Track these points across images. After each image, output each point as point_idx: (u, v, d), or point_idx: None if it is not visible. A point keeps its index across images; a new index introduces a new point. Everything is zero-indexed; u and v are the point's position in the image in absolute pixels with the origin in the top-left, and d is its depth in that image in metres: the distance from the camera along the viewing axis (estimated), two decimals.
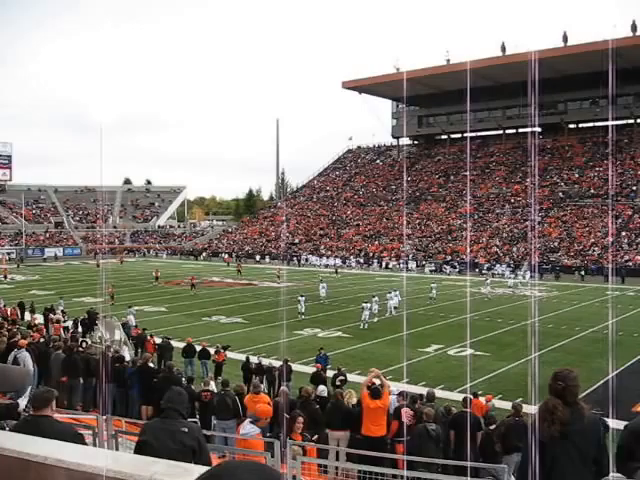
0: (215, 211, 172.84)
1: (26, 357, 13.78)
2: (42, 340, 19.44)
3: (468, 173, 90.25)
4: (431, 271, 64.98)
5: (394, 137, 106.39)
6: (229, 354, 23.01)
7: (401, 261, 70.36)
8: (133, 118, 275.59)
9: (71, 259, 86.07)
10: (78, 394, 16.47)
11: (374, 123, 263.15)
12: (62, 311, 32.89)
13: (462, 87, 68.75)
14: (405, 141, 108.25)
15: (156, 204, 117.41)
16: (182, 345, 23.57)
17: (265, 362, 20.91)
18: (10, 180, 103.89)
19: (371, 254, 75.83)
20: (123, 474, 3.10)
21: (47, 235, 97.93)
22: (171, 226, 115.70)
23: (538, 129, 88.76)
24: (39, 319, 29.31)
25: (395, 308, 36.21)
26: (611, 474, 5.01)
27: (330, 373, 19.76)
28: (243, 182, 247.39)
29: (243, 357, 22.07)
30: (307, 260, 77.94)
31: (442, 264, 66.48)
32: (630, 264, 59.43)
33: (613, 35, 67.11)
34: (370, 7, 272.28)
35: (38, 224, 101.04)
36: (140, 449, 5.35)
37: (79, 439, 5.43)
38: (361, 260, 73.87)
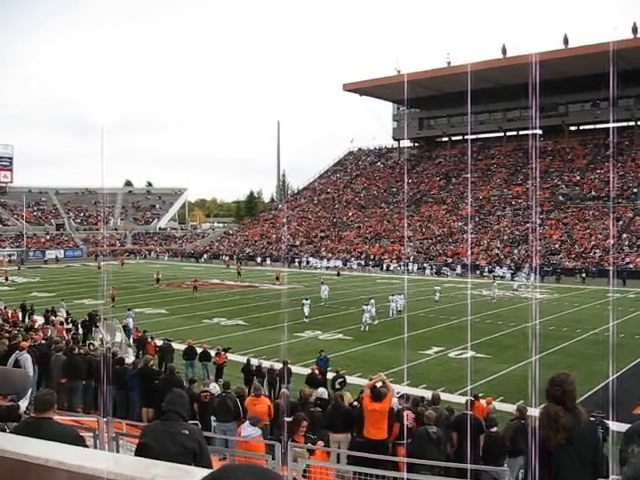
0: (216, 213, 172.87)
1: (27, 359, 13.81)
2: (43, 342, 19.48)
3: (469, 175, 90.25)
4: (432, 273, 65.01)
5: (395, 139, 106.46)
6: (230, 356, 23.03)
7: (402, 263, 70.37)
8: (133, 118, 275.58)
9: (72, 261, 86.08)
10: (79, 396, 16.48)
11: (375, 125, 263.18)
12: (67, 312, 32.95)
13: (463, 89, 68.87)
14: (406, 143, 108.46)
15: (157, 206, 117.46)
16: (183, 347, 23.59)
17: (266, 364, 20.92)
18: (11, 182, 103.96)
19: (372, 256, 75.86)
20: (124, 476, 3.11)
21: (48, 237, 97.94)
22: (172, 228, 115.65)
23: (539, 131, 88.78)
24: (39, 321, 29.31)
25: (400, 312, 36.12)
26: (611, 477, 5.02)
27: (330, 375, 19.77)
28: (244, 184, 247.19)
29: (244, 359, 22.07)
30: (308, 262, 77.89)
31: (442, 266, 66.51)
32: (631, 266, 59.40)
33: (614, 37, 67.13)
34: (371, 9, 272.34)
35: (39, 226, 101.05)
36: (141, 451, 5.36)
37: (80, 441, 5.43)
38: (362, 262, 73.88)
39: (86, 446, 5.98)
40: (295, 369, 21.10)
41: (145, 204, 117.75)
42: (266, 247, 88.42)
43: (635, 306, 40.08)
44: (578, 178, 79.61)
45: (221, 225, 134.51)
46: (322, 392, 16.05)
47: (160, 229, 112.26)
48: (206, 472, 2.22)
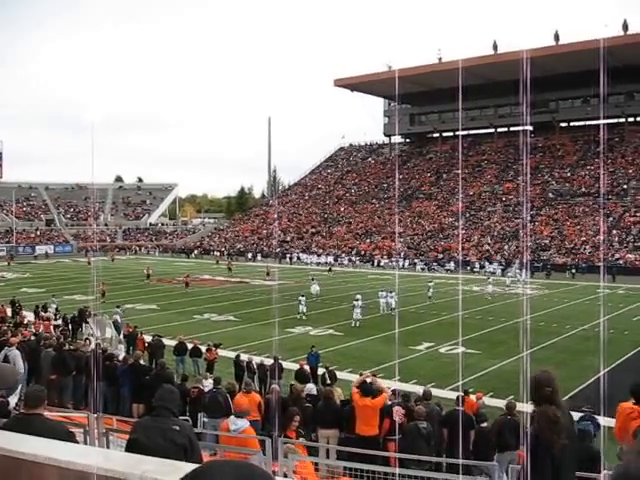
0: (207, 209, 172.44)
1: (16, 355, 13.75)
2: (33, 338, 19.41)
3: (460, 171, 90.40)
4: (422, 269, 65.11)
5: (386, 135, 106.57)
6: (221, 352, 22.99)
7: (393, 259, 70.45)
8: (127, 117, 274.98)
9: (62, 257, 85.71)
10: (69, 392, 16.44)
11: (366, 121, 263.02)
12: (56, 308, 32.81)
13: (454, 85, 68.83)
14: (397, 139, 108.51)
15: (147, 202, 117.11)
16: (174, 343, 23.55)
17: (256, 360, 20.90)
18: (1, 177, 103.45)
19: (363, 252, 75.91)
20: (114, 472, 3.10)
21: (38, 233, 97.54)
22: (162, 224, 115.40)
23: (530, 127, 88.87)
24: (28, 317, 29.19)
25: (392, 309, 35.99)
26: (603, 472, 5.04)
27: (321, 371, 19.78)
28: (235, 180, 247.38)
29: (235, 355, 22.05)
30: (299, 258, 77.91)
31: (432, 262, 66.66)
32: (621, 262, 59.66)
33: (604, 34, 67.30)
34: (362, 5, 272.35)
35: (29, 222, 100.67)
36: (131, 447, 5.33)
37: (70, 437, 5.41)
38: (354, 258, 73.94)
39: (76, 442, 5.96)
40: (286, 365, 21.08)
41: (135, 200, 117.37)
42: (257, 243, 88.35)
43: (625, 302, 40.26)
44: (568, 174, 79.85)
45: (212, 221, 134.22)
46: (311, 388, 16.06)
47: (150, 225, 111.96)
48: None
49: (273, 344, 24.77)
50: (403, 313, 35.26)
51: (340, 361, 23.86)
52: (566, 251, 64.53)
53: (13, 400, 7.76)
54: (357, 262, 71.72)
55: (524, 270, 57.74)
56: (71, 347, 18.24)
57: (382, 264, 69.74)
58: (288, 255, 79.50)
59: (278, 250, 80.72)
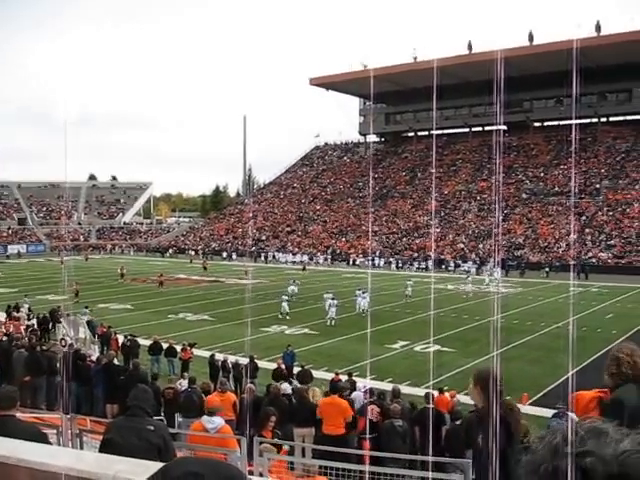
0: (181, 208, 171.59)
1: None
2: (5, 338, 19.21)
3: (434, 170, 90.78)
4: (397, 267, 65.35)
5: (361, 134, 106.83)
6: (196, 351, 22.91)
7: (368, 258, 70.60)
8: (102, 115, 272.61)
9: (35, 256, 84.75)
10: (42, 393, 16.29)
11: (341, 120, 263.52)
12: (29, 308, 32.49)
13: (429, 85, 69.01)
14: (372, 138, 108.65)
15: (121, 200, 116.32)
16: (148, 343, 23.42)
17: (232, 359, 20.86)
18: None
19: (338, 251, 76.02)
20: (86, 473, 3.07)
21: (10, 232, 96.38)
22: (137, 223, 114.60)
23: (504, 127, 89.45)
24: (0, 317, 28.90)
25: (363, 311, 35.82)
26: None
27: (297, 370, 19.78)
28: (210, 178, 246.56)
29: (209, 354, 21.97)
30: (274, 257, 77.81)
31: (407, 261, 66.91)
32: (593, 261, 60.31)
33: (578, 35, 68.05)
34: (338, 4, 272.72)
35: (1, 220, 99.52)
36: (105, 447, 5.31)
37: (43, 439, 5.37)
38: (329, 257, 74.03)
39: (50, 443, 5.91)
40: (262, 364, 21.06)
41: (109, 198, 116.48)
42: (232, 242, 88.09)
43: (597, 300, 40.68)
44: (542, 174, 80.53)
45: (187, 220, 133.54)
46: (286, 387, 16.07)
47: (125, 224, 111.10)
48: None
49: (247, 343, 24.73)
50: (378, 312, 35.33)
51: (316, 360, 23.89)
52: (540, 250, 65.12)
53: None
54: (330, 261, 71.76)
55: (498, 268, 58.09)
56: (44, 347, 18.07)
57: (357, 263, 69.88)
58: (263, 254, 79.36)
59: (253, 249, 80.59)
